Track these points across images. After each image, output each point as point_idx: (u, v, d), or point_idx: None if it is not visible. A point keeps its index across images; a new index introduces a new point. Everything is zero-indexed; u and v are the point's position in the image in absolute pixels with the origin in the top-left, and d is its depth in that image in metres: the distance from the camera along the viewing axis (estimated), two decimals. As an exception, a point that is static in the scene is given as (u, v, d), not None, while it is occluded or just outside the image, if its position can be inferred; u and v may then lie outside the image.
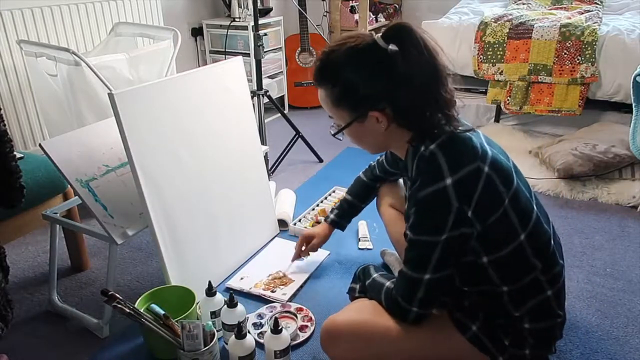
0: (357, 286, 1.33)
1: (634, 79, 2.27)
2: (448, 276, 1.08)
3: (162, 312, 1.34)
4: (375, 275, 1.26)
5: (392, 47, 1.02)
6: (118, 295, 1.25)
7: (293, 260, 1.79)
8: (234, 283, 1.72)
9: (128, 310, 1.25)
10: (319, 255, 1.86)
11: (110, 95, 1.37)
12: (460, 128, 1.07)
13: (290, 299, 1.64)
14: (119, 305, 1.24)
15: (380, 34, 1.05)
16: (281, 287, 1.69)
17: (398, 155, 1.21)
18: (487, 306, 1.14)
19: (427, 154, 1.05)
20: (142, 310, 1.31)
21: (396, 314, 1.14)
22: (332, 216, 1.72)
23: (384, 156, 1.60)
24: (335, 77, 1.08)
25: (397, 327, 1.14)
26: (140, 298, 1.42)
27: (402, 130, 1.10)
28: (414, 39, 1.02)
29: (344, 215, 1.72)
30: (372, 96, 1.06)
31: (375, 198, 1.72)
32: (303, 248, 1.74)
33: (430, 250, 1.04)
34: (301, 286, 1.71)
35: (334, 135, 1.16)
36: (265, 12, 3.44)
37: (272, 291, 1.66)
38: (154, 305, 1.36)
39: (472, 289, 1.15)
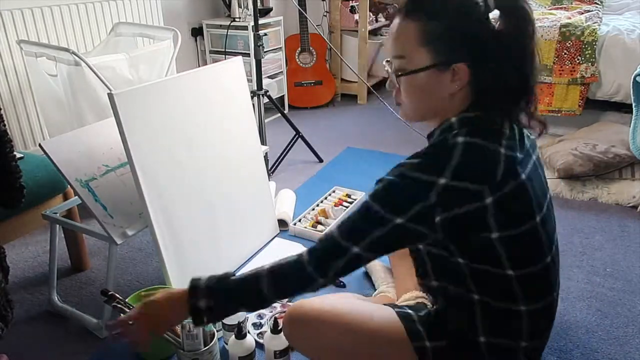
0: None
1: (634, 79, 2.27)
2: (367, 259, 0.99)
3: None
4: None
5: (495, 14, 0.92)
6: (118, 295, 1.25)
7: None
8: (234, 283, 1.71)
9: (128, 311, 1.25)
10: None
11: (110, 95, 1.37)
12: (505, 140, 0.94)
13: (291, 299, 1.64)
14: (119, 305, 1.24)
15: None
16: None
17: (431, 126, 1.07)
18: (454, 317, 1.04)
19: (450, 141, 0.93)
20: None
21: (302, 278, 1.00)
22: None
23: None
24: (437, 10, 0.93)
25: (361, 327, 1.07)
26: (128, 298, 1.42)
27: (461, 102, 0.98)
28: (525, 15, 0.93)
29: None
30: (468, 48, 0.93)
31: None
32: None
33: (374, 225, 0.94)
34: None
35: (398, 76, 1.00)
36: (265, 12, 3.45)
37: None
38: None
39: (442, 284, 1.04)
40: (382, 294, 1.60)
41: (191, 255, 1.60)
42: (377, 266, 1.71)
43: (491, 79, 0.94)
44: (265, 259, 1.85)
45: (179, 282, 1.53)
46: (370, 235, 0.95)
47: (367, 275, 1.74)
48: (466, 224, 0.92)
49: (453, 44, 0.94)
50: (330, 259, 0.98)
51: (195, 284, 1.05)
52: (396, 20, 0.98)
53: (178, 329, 1.29)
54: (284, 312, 1.55)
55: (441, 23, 0.93)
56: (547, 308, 1.03)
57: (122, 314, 1.23)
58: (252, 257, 1.88)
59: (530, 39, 0.94)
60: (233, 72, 1.81)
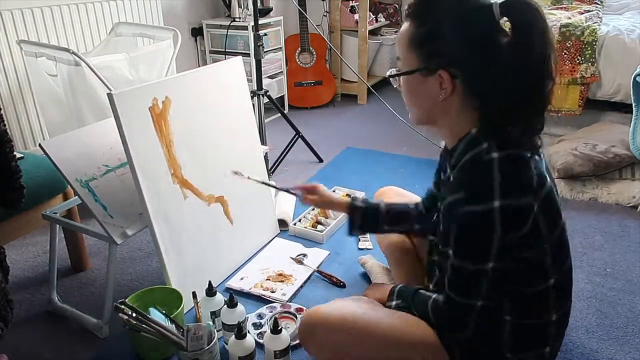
0: (393, 303, 1.18)
1: (634, 79, 2.27)
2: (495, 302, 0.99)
3: (162, 313, 1.34)
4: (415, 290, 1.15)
5: (505, 21, 0.89)
6: (127, 307, 1.24)
7: (288, 189, 1.51)
8: (234, 283, 1.72)
9: (134, 322, 1.24)
10: (319, 255, 1.86)
11: (110, 95, 1.37)
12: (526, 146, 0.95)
13: (290, 299, 1.64)
14: (126, 317, 1.23)
15: (502, 1, 0.91)
16: (281, 286, 1.69)
17: (445, 141, 1.07)
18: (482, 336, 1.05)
19: (485, 158, 0.92)
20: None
21: (450, 327, 1.05)
22: (359, 200, 1.42)
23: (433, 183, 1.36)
24: (427, 16, 0.95)
25: (381, 332, 1.07)
26: (128, 298, 1.42)
27: (467, 113, 0.97)
28: (534, 25, 0.88)
29: (367, 213, 1.39)
30: (453, 56, 0.93)
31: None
32: (300, 193, 1.48)
33: (479, 278, 0.95)
34: (301, 286, 1.71)
35: (389, 77, 1.03)
36: (265, 12, 3.44)
37: (272, 291, 1.66)
38: (153, 309, 1.36)
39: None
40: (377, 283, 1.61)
41: (191, 256, 1.60)
42: (375, 266, 1.71)
43: (488, 88, 0.93)
44: (266, 259, 1.86)
45: (178, 282, 1.53)
46: (481, 289, 0.96)
47: (366, 276, 1.74)
48: (527, 242, 0.93)
49: (435, 51, 0.95)
50: (466, 316, 1.00)
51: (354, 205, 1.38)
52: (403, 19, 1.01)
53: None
54: (284, 312, 1.55)
55: (429, 30, 0.95)
56: (569, 308, 1.07)
57: (128, 323, 1.22)
58: (252, 257, 1.88)
59: (542, 51, 0.89)
60: (233, 72, 1.81)
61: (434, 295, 1.08)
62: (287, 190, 1.52)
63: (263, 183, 1.69)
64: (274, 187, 1.71)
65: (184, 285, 1.52)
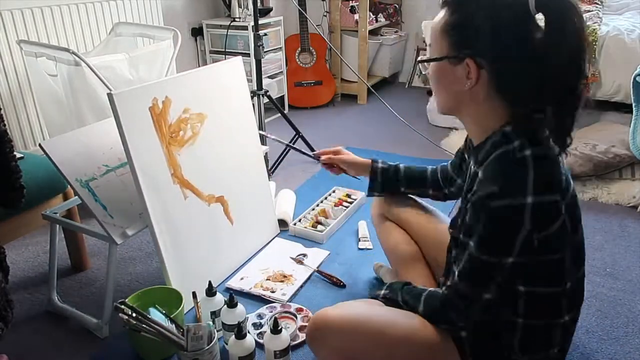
0: (381, 292, 1.20)
1: (634, 79, 2.27)
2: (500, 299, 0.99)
3: (162, 313, 1.34)
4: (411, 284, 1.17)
5: (540, 17, 0.88)
6: (127, 308, 1.24)
7: (311, 154, 1.60)
8: (234, 283, 1.72)
9: (135, 322, 1.24)
10: (320, 255, 1.86)
11: (110, 95, 1.37)
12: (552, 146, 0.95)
13: (290, 299, 1.64)
14: (126, 317, 1.23)
15: None
16: (281, 286, 1.69)
17: (471, 136, 1.07)
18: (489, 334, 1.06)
19: (517, 155, 0.91)
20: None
21: (439, 320, 1.06)
22: (379, 161, 1.49)
23: (449, 162, 1.41)
24: (462, 5, 0.95)
25: (391, 334, 1.06)
26: (128, 298, 1.42)
27: (494, 105, 0.96)
28: (569, 22, 0.86)
29: (388, 173, 1.46)
30: (483, 47, 0.92)
31: (372, 205, 1.63)
32: (324, 157, 1.55)
33: (492, 270, 0.95)
34: (301, 286, 1.71)
35: (419, 62, 1.04)
36: (265, 12, 3.45)
37: (272, 291, 1.66)
38: (153, 309, 1.36)
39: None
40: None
41: (191, 256, 1.60)
42: (383, 270, 1.71)
43: (518, 84, 0.92)
44: (266, 259, 1.86)
45: (179, 282, 1.53)
46: (492, 282, 0.96)
47: (366, 276, 1.74)
48: (551, 242, 0.92)
49: (465, 39, 0.94)
50: (467, 307, 1.01)
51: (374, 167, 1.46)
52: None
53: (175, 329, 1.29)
54: (284, 312, 1.55)
55: (462, 16, 0.94)
56: (579, 312, 1.07)
57: (128, 324, 1.23)
58: (252, 257, 1.88)
59: (575, 49, 0.87)
60: (233, 72, 1.81)
61: (430, 289, 1.09)
62: (307, 154, 1.64)
63: (286, 144, 1.85)
64: (296, 149, 1.82)
65: (184, 286, 1.52)
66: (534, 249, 0.92)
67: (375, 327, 1.08)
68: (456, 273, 1.00)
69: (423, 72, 1.08)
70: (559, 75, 0.89)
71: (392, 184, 1.47)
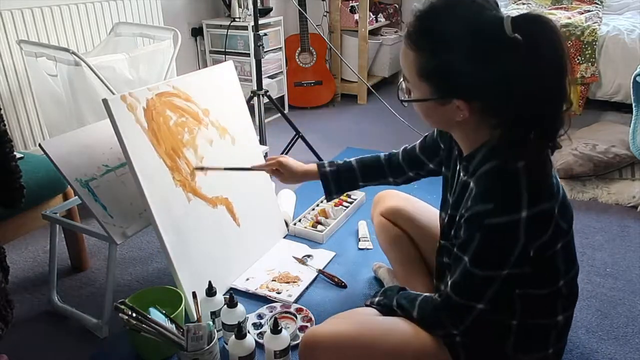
0: (376, 299, 1.20)
1: (634, 79, 2.27)
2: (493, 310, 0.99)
3: (162, 313, 1.34)
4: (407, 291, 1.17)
5: (518, 37, 0.84)
6: (127, 308, 1.24)
7: (249, 167, 1.56)
8: (240, 284, 1.71)
9: (134, 322, 1.24)
10: (325, 256, 1.86)
11: (105, 101, 1.37)
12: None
13: (297, 300, 1.63)
14: (126, 317, 1.23)
15: (512, 16, 0.86)
16: (287, 287, 1.68)
17: (460, 146, 1.06)
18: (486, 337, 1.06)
19: (509, 168, 0.91)
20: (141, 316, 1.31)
21: (435, 327, 1.06)
22: (326, 164, 1.45)
23: (418, 142, 1.37)
24: (434, 50, 0.89)
25: (383, 347, 1.06)
26: (128, 298, 1.41)
27: (486, 125, 0.95)
28: (548, 38, 0.85)
29: (338, 173, 1.43)
30: (468, 87, 0.90)
31: (372, 206, 1.64)
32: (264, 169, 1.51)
33: (485, 285, 0.96)
34: (307, 287, 1.70)
35: (401, 101, 1.01)
36: (265, 12, 3.45)
37: (278, 292, 1.66)
38: (153, 309, 1.36)
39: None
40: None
41: (199, 258, 1.58)
42: (382, 270, 1.71)
43: (506, 105, 0.90)
44: (271, 260, 1.84)
45: (186, 285, 1.51)
46: (486, 294, 0.96)
47: (366, 276, 1.74)
48: (545, 246, 0.94)
49: (450, 85, 0.91)
50: (461, 316, 1.01)
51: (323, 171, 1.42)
52: (403, 42, 0.95)
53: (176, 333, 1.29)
54: (284, 312, 1.55)
55: (441, 63, 0.89)
56: (573, 311, 1.08)
57: (128, 324, 1.22)
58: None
59: (556, 64, 0.86)
60: (226, 74, 1.81)
61: (425, 294, 1.09)
62: (245, 169, 1.58)
63: (225, 169, 1.64)
64: (238, 169, 1.66)
65: (191, 287, 1.50)
66: (529, 257, 0.93)
67: (367, 341, 1.07)
68: (449, 284, 1.00)
69: (404, 105, 1.02)
70: (544, 90, 0.87)
71: (348, 182, 1.44)
